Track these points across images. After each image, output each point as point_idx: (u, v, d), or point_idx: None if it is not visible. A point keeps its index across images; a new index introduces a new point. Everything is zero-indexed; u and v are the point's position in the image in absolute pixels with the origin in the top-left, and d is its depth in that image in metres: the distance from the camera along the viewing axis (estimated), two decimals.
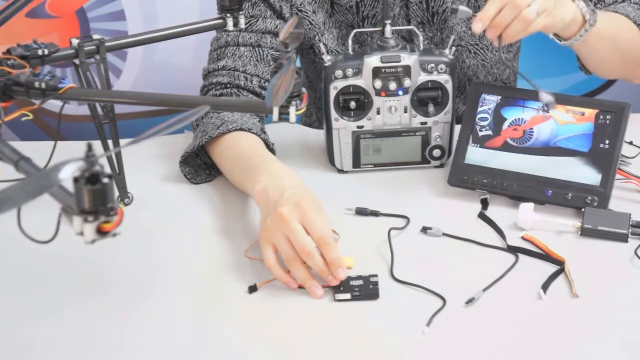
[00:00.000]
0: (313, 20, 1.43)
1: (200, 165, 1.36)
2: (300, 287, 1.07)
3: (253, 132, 1.30)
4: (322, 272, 1.05)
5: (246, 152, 1.26)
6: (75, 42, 1.10)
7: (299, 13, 1.41)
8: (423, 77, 1.30)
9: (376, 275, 1.08)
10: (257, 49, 1.39)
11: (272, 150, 1.32)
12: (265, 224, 1.09)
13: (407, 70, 1.29)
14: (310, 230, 1.06)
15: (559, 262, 1.11)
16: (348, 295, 1.05)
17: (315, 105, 1.64)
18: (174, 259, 1.17)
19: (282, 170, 1.18)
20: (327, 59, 1.31)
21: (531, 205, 1.19)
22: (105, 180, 0.69)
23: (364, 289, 1.06)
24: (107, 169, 0.82)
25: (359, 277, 1.07)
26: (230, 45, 1.41)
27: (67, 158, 0.69)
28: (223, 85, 1.38)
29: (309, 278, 1.06)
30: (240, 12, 1.18)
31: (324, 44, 1.41)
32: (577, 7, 1.26)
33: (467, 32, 1.45)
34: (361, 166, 1.36)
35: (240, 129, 1.30)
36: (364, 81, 1.29)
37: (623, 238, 1.15)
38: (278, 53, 1.40)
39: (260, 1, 1.41)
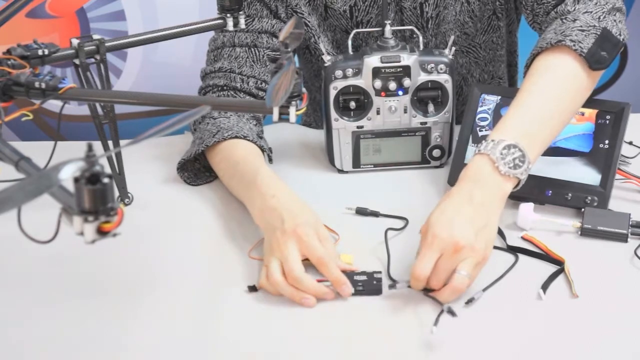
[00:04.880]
0: (309, 21, 1.42)
1: (199, 169, 1.36)
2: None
3: (249, 139, 1.30)
4: (314, 295, 1.05)
5: (239, 165, 1.26)
6: (75, 42, 1.10)
7: (295, 14, 1.41)
8: (423, 77, 1.30)
9: (380, 272, 1.08)
10: (253, 49, 1.39)
11: (268, 156, 1.33)
12: (266, 251, 1.11)
13: (407, 70, 1.29)
14: (308, 255, 1.08)
15: (559, 262, 1.11)
16: (352, 290, 1.06)
17: (310, 106, 1.64)
18: (173, 259, 1.17)
19: (273, 187, 1.18)
20: (327, 59, 1.30)
21: (531, 205, 1.19)
22: (106, 180, 0.69)
23: (368, 285, 1.07)
24: (107, 169, 0.82)
25: (362, 273, 1.08)
26: (227, 46, 1.40)
27: (67, 158, 0.69)
28: (219, 88, 1.38)
29: (295, 294, 1.06)
30: (241, 12, 1.18)
31: (323, 44, 1.41)
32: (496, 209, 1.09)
33: (460, 36, 1.45)
34: (361, 166, 1.36)
35: (236, 137, 1.30)
36: (364, 81, 1.29)
37: (623, 238, 1.15)
38: (274, 53, 1.40)
39: (256, 1, 1.40)
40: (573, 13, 1.24)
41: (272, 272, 1.06)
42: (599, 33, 1.20)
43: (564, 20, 1.24)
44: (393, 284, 1.06)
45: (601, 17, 1.22)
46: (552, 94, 1.18)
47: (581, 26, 1.20)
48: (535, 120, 1.15)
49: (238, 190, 1.26)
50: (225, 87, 1.38)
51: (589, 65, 1.19)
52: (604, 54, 1.19)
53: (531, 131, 1.14)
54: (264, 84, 1.39)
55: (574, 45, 1.18)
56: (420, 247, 1.06)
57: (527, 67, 1.23)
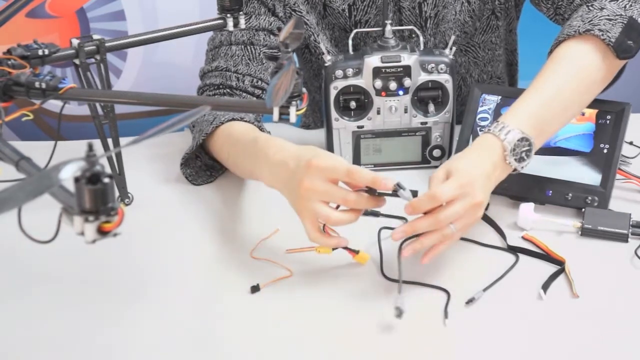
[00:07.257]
0: (308, 20, 1.42)
1: (200, 167, 1.36)
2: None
3: (246, 121, 1.29)
4: (370, 204, 1.05)
5: (240, 142, 1.24)
6: (75, 42, 1.10)
7: (293, 13, 1.41)
8: (423, 77, 1.30)
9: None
10: (249, 47, 1.39)
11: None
12: (297, 202, 1.07)
13: (407, 70, 1.29)
14: (336, 175, 1.04)
15: (559, 262, 1.11)
16: (394, 182, 1.03)
17: (309, 107, 1.63)
18: (174, 259, 1.17)
19: (275, 145, 1.14)
20: (327, 59, 1.30)
21: (531, 205, 1.19)
22: (106, 180, 0.69)
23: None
24: (108, 169, 0.82)
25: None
26: (224, 45, 1.40)
27: (67, 158, 0.69)
28: (216, 87, 1.38)
29: (367, 202, 1.05)
30: (241, 13, 1.18)
31: (323, 43, 1.41)
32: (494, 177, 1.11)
33: (460, 35, 1.45)
34: (361, 166, 1.36)
35: (233, 119, 1.28)
36: (364, 81, 1.29)
37: (623, 238, 1.15)
38: (271, 51, 1.40)
39: None
40: (599, 1, 1.24)
41: (311, 231, 1.06)
42: (625, 22, 1.20)
43: (590, 8, 1.24)
44: (399, 189, 1.03)
45: (627, 6, 1.22)
46: (572, 86, 1.18)
47: (608, 15, 1.21)
48: (551, 112, 1.16)
49: (244, 166, 1.23)
50: (221, 86, 1.38)
51: (616, 55, 1.19)
52: (630, 43, 1.20)
53: (545, 124, 1.15)
54: (260, 82, 1.38)
55: (603, 34, 1.19)
56: (436, 180, 1.06)
57: (551, 52, 1.23)
